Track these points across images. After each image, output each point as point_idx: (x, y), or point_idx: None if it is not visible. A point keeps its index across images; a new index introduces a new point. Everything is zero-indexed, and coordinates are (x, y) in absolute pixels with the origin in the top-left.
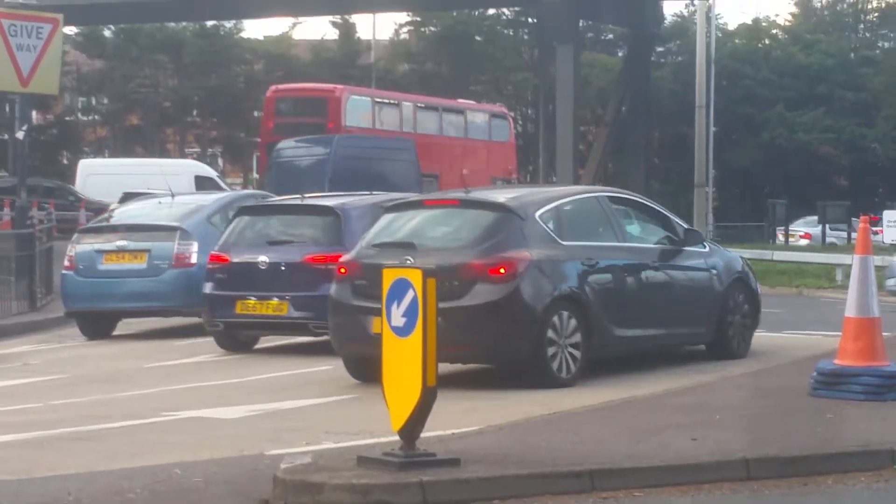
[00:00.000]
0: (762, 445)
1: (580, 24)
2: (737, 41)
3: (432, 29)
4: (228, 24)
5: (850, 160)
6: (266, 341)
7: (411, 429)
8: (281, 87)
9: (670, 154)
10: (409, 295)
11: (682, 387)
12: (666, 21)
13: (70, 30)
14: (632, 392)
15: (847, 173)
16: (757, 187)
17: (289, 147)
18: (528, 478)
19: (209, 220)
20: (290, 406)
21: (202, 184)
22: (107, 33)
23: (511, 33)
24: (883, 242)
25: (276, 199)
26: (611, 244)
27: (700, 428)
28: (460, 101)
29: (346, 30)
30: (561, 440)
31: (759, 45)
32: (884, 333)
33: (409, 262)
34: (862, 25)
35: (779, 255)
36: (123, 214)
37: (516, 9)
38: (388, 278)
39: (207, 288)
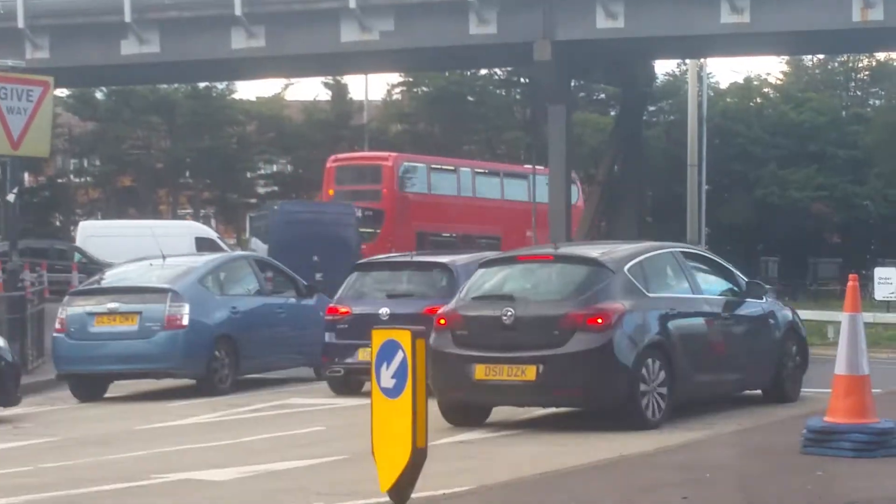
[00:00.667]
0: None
1: (572, 84)
2: (728, 100)
3: (424, 89)
4: (221, 86)
5: (842, 218)
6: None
7: (401, 490)
8: (340, 156)
9: (663, 213)
10: (399, 356)
11: (672, 444)
12: (658, 80)
13: (62, 92)
14: (621, 449)
15: (839, 230)
16: (750, 244)
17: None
18: None
19: (200, 282)
20: (282, 468)
21: (203, 245)
22: (99, 95)
23: (503, 93)
24: (873, 299)
25: (387, 257)
26: (687, 296)
27: (692, 486)
28: (527, 167)
29: (339, 90)
30: (553, 500)
31: (751, 104)
32: (874, 390)
33: (509, 312)
34: (853, 84)
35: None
36: (114, 276)
37: (508, 69)
38: (378, 340)
39: (328, 337)
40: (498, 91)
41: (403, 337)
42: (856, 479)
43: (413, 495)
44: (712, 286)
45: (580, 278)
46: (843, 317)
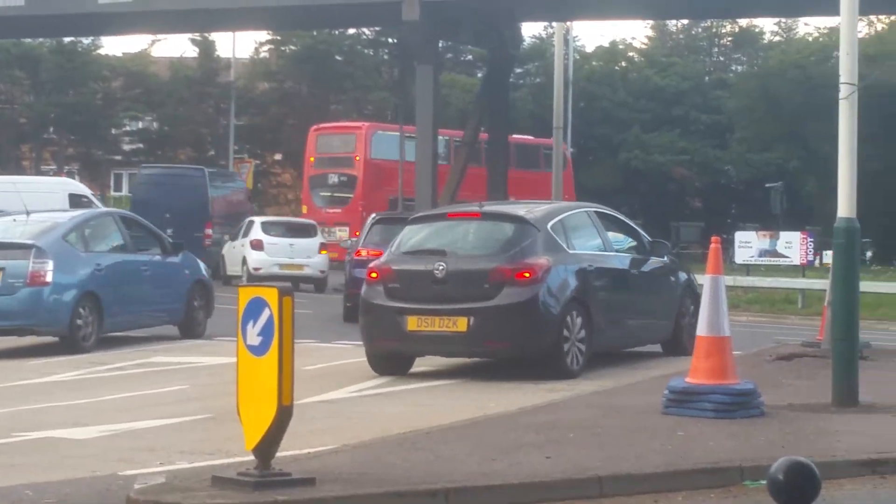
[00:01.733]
0: (614, 463)
1: (440, 45)
2: (594, 63)
3: (292, 48)
4: (86, 41)
5: (704, 182)
6: None
7: (266, 448)
8: (319, 126)
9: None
10: (265, 314)
11: (534, 405)
12: (524, 43)
13: None
14: (483, 410)
15: (701, 195)
16: (613, 207)
17: None
18: (383, 496)
19: (65, 238)
20: (144, 426)
21: (76, 202)
22: None
23: (371, 53)
24: (734, 262)
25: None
26: (602, 252)
27: (554, 446)
28: (515, 136)
29: (206, 48)
30: (416, 459)
31: (616, 68)
32: (734, 352)
33: (441, 266)
34: (716, 49)
35: None
36: None
37: (376, 29)
38: (244, 297)
39: None
40: (366, 51)
41: (270, 295)
42: (715, 439)
43: (278, 454)
44: (622, 243)
45: (507, 235)
46: (705, 279)
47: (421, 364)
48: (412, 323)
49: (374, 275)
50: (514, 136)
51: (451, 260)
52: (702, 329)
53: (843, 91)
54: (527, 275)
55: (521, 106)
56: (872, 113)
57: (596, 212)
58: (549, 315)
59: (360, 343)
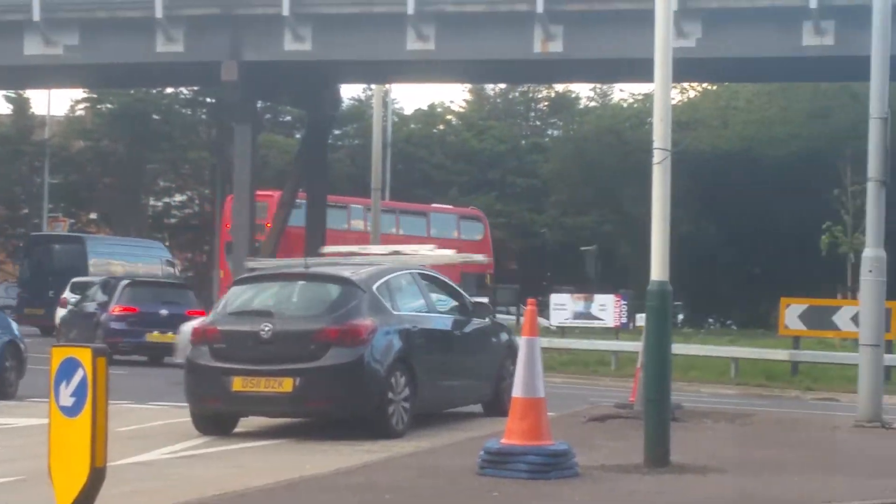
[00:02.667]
0: None
1: (259, 105)
2: (412, 126)
3: (109, 106)
4: None
5: (520, 245)
6: None
7: None
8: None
9: None
10: (79, 374)
11: (350, 466)
12: (343, 104)
13: None
14: (300, 471)
15: (517, 257)
16: None
17: None
18: None
19: None
20: None
21: None
22: None
23: (189, 112)
24: (551, 325)
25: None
26: (426, 314)
27: None
28: (434, 206)
29: (20, 105)
30: None
31: (435, 130)
32: (549, 413)
33: (267, 327)
34: (533, 113)
35: None
36: None
37: (195, 88)
38: (57, 357)
39: None
40: (184, 110)
41: (84, 355)
42: (529, 500)
43: None
44: (445, 304)
45: (333, 296)
46: (521, 340)
47: (242, 424)
48: (237, 384)
49: (198, 335)
50: (434, 205)
51: (278, 320)
52: (517, 390)
53: (657, 156)
54: (352, 336)
55: (339, 167)
56: (685, 177)
57: (420, 273)
58: (374, 376)
59: (177, 404)
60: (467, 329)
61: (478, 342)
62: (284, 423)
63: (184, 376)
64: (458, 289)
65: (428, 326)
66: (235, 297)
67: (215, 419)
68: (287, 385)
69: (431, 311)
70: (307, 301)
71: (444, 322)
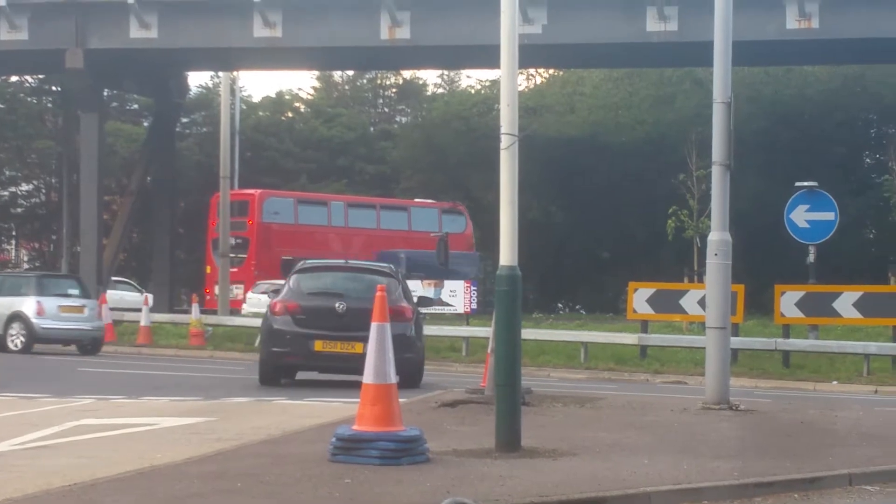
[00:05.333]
0: None
1: (105, 93)
2: (261, 113)
3: None
4: None
5: None
6: None
7: None
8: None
9: (195, 224)
10: None
11: (202, 454)
12: (191, 92)
13: None
14: (150, 461)
15: None
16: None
17: None
18: None
19: None
20: None
21: None
22: None
23: (34, 101)
24: None
25: None
26: (416, 303)
27: (221, 496)
28: (416, 200)
29: None
30: None
31: (283, 118)
32: (400, 399)
33: (342, 305)
34: (381, 100)
35: None
36: None
37: (40, 76)
38: None
39: None
40: (29, 98)
41: None
42: (381, 485)
43: None
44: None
45: (377, 282)
46: (371, 326)
47: (96, 413)
48: (318, 345)
49: (280, 309)
50: (417, 200)
51: (348, 300)
52: (368, 377)
53: (504, 142)
54: (401, 315)
55: (187, 155)
56: (533, 163)
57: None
58: (415, 345)
59: (31, 395)
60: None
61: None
62: (138, 413)
63: (262, 339)
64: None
65: (420, 312)
66: (302, 281)
67: (283, 371)
68: (358, 348)
69: (418, 302)
70: (366, 287)
71: (421, 310)
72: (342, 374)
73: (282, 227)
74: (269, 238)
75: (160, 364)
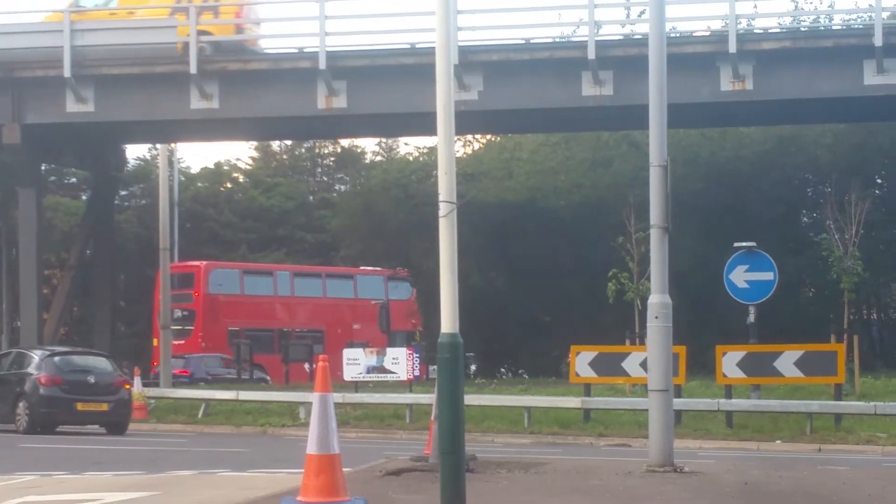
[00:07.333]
0: None
1: (43, 168)
2: (199, 184)
3: None
4: None
5: None
6: None
7: None
8: (172, 264)
9: (135, 296)
10: None
11: None
12: (129, 165)
13: None
14: None
15: None
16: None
17: None
18: None
19: None
20: None
21: None
22: None
23: None
24: (343, 379)
25: None
26: None
27: None
28: (362, 268)
29: None
30: None
31: (222, 189)
32: (344, 469)
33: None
34: (319, 169)
35: (244, 395)
36: None
37: None
38: None
39: None
40: None
41: None
42: None
43: None
44: None
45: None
46: (314, 397)
47: (35, 494)
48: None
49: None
50: (362, 268)
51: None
52: (312, 447)
53: (443, 209)
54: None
55: (127, 228)
56: (472, 229)
57: None
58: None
59: None
60: None
61: None
62: (81, 488)
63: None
64: None
65: None
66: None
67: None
68: (104, 406)
69: None
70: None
71: None
72: None
73: (228, 298)
74: (215, 309)
75: (102, 438)
